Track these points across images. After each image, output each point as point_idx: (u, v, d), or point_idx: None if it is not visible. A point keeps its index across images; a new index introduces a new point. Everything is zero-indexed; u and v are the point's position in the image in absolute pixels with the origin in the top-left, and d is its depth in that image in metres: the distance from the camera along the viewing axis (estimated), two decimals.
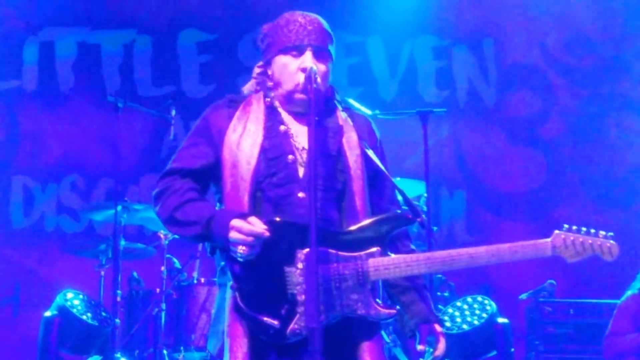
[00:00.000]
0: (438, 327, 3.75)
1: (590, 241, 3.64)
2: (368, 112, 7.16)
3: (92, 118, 9.33)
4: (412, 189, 7.43)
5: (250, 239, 3.49)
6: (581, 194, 9.29)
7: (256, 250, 3.51)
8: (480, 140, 9.47)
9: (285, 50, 3.75)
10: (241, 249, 3.49)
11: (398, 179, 7.43)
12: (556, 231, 3.65)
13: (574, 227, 3.66)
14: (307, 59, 3.72)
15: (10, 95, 9.48)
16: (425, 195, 6.98)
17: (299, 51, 3.74)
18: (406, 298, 3.76)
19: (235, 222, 3.51)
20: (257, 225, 3.50)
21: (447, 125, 9.29)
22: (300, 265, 3.51)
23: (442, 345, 3.74)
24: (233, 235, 3.50)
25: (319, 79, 3.66)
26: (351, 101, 7.16)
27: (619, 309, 6.28)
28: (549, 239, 3.65)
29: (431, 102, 9.16)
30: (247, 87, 3.92)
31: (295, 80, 3.73)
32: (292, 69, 3.74)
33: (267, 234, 3.49)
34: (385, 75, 9.61)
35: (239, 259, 3.52)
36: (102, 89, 9.37)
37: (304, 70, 3.70)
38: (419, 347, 3.73)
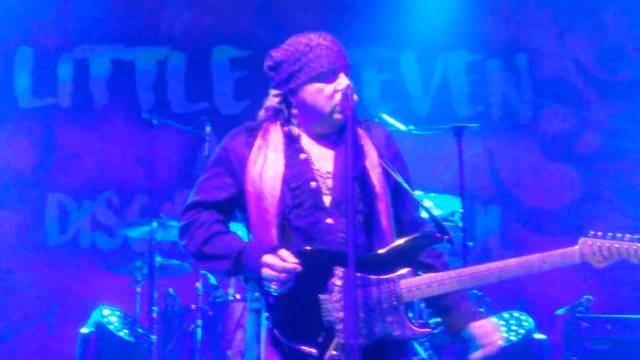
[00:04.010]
0: (487, 320, 3.84)
1: (616, 245, 3.69)
2: (402, 127, 7.16)
3: (127, 135, 9.37)
4: (446, 204, 7.39)
5: (283, 275, 3.50)
6: (617, 209, 9.21)
7: (290, 284, 3.51)
8: (514, 156, 9.43)
9: (319, 78, 3.71)
10: (275, 285, 3.50)
11: (432, 194, 7.41)
12: (582, 238, 3.71)
13: (599, 233, 3.71)
14: (344, 80, 3.71)
15: (45, 112, 9.54)
16: (461, 210, 6.95)
17: (333, 75, 3.72)
18: (449, 300, 3.76)
19: (267, 259, 3.52)
20: (288, 260, 3.51)
21: (481, 140, 9.24)
22: (338, 282, 3.51)
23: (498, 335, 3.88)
24: (265, 272, 3.51)
25: (355, 96, 3.67)
26: (385, 116, 7.18)
27: None
28: (576, 247, 3.70)
29: (465, 117, 9.12)
30: (262, 114, 3.87)
31: (333, 103, 3.71)
32: (328, 93, 3.71)
33: (299, 268, 3.50)
34: (419, 90, 9.57)
35: (273, 293, 3.53)
36: (137, 106, 9.40)
37: (340, 91, 3.69)
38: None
